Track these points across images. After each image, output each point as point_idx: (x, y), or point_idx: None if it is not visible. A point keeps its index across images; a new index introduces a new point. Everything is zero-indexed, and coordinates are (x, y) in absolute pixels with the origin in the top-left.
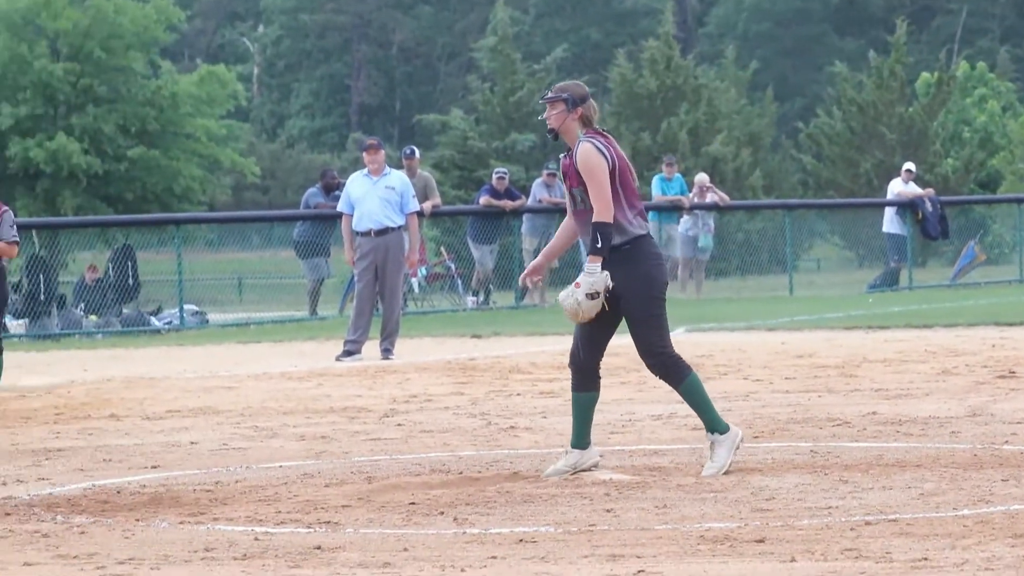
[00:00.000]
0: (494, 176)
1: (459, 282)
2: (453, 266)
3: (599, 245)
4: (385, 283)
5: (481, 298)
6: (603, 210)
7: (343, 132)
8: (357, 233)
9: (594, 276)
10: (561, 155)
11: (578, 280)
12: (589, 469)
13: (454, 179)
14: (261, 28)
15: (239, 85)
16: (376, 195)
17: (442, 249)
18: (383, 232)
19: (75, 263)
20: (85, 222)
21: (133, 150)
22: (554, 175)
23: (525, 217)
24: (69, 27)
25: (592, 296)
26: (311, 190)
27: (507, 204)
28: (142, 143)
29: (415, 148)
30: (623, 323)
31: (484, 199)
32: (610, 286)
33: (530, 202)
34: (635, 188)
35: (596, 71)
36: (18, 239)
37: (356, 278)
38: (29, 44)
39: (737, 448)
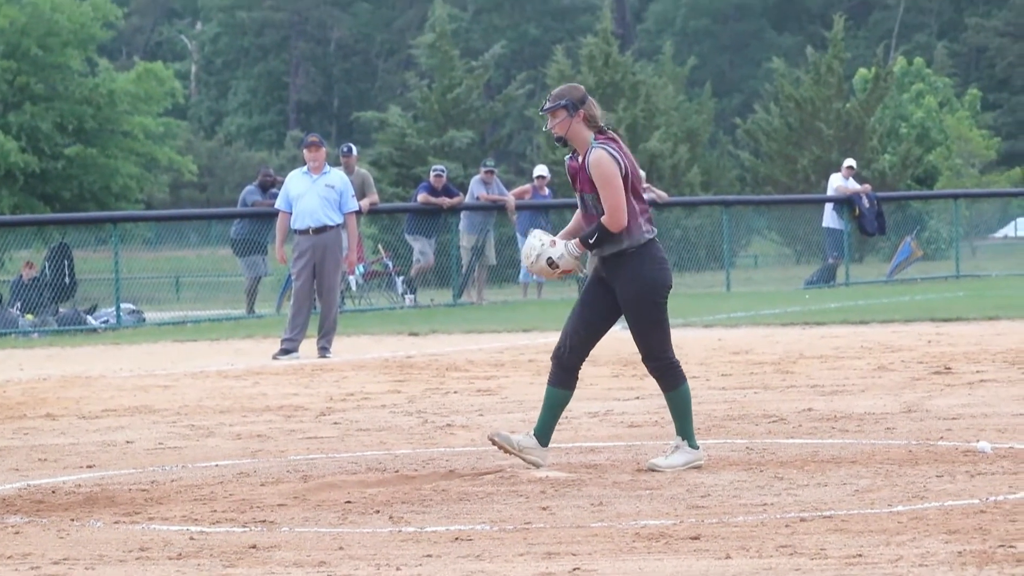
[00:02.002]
0: (432, 173)
1: (396, 280)
2: (391, 264)
3: (592, 240)
4: (323, 282)
5: (405, 290)
6: (616, 220)
7: (281, 130)
8: (295, 231)
9: (569, 256)
10: (567, 156)
11: (556, 242)
12: (534, 466)
13: (392, 176)
14: (199, 25)
15: (177, 83)
16: (316, 193)
17: (380, 247)
18: (321, 230)
19: (11, 262)
20: (22, 220)
21: (70, 148)
22: (492, 172)
23: (463, 214)
24: (6, 24)
25: (552, 264)
26: (249, 188)
27: (445, 201)
28: (79, 141)
29: (352, 145)
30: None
31: (422, 196)
32: (578, 274)
33: (468, 199)
34: (642, 191)
35: (534, 67)
36: None
37: (293, 276)
38: None
39: (690, 466)
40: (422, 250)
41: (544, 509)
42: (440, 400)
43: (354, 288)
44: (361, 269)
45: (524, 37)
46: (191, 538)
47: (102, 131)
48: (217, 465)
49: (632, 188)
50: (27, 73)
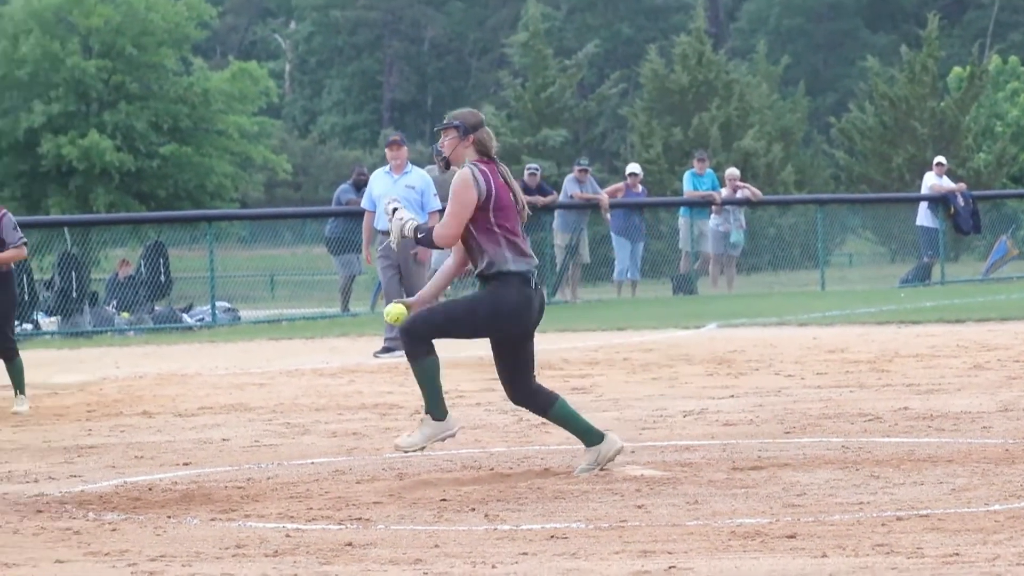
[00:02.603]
0: (526, 172)
1: None
2: None
3: (420, 236)
4: (408, 281)
5: None
6: (443, 233)
7: (375, 128)
8: (378, 231)
9: (400, 224)
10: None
11: (406, 215)
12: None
13: None
14: (293, 24)
15: (271, 82)
16: (398, 194)
17: None
18: None
19: (107, 260)
20: (117, 219)
21: (165, 147)
22: (586, 171)
23: (557, 213)
24: (101, 24)
25: (388, 213)
26: (343, 186)
27: (539, 200)
28: (174, 140)
29: None
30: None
31: None
32: (405, 230)
33: (562, 198)
34: (516, 223)
35: (628, 66)
36: (24, 239)
37: (380, 276)
38: (61, 41)
39: (440, 439)
40: None
41: (639, 507)
42: None
43: (450, 287)
44: None
45: (617, 36)
46: (287, 535)
47: (197, 130)
48: (313, 463)
49: (503, 216)
50: (122, 72)
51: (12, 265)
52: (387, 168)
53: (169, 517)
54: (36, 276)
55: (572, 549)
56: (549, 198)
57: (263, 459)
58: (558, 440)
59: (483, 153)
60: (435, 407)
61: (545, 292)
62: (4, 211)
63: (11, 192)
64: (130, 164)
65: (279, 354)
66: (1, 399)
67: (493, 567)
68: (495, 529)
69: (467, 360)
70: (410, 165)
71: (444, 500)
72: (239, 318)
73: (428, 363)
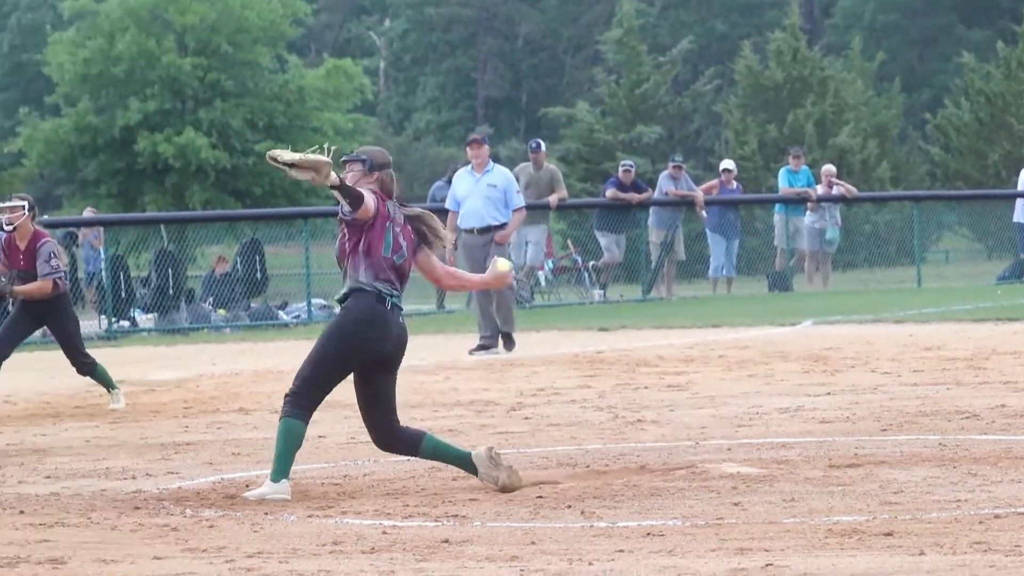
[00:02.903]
0: (620, 169)
1: (586, 275)
2: (580, 259)
3: (340, 183)
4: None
5: (599, 289)
6: (365, 208)
7: (469, 125)
8: (462, 230)
9: (312, 160)
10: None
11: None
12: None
13: (580, 172)
14: (387, 22)
15: (366, 79)
16: (479, 193)
17: (569, 242)
18: (485, 230)
19: (203, 257)
20: (213, 216)
21: (261, 144)
22: (680, 168)
23: (652, 210)
24: (196, 22)
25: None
26: (437, 183)
27: (633, 197)
28: (269, 137)
29: (540, 141)
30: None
31: (610, 192)
32: (311, 162)
33: (656, 195)
34: (383, 259)
35: (722, 63)
36: (59, 273)
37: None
38: (157, 39)
39: (275, 499)
40: (608, 246)
41: (736, 505)
42: (630, 395)
43: (543, 284)
44: (551, 264)
45: (711, 32)
46: (384, 532)
47: (292, 127)
48: (409, 460)
49: (372, 245)
50: (217, 70)
51: (63, 287)
52: (469, 167)
53: (266, 514)
54: (133, 273)
55: (668, 546)
56: (644, 195)
57: (359, 456)
58: (654, 437)
59: (385, 193)
60: (277, 470)
61: (405, 323)
62: (45, 239)
63: (107, 189)
64: (225, 161)
65: None
66: (98, 396)
67: (589, 564)
68: (591, 526)
69: (562, 356)
70: (491, 163)
71: (540, 497)
72: (334, 315)
73: (288, 425)
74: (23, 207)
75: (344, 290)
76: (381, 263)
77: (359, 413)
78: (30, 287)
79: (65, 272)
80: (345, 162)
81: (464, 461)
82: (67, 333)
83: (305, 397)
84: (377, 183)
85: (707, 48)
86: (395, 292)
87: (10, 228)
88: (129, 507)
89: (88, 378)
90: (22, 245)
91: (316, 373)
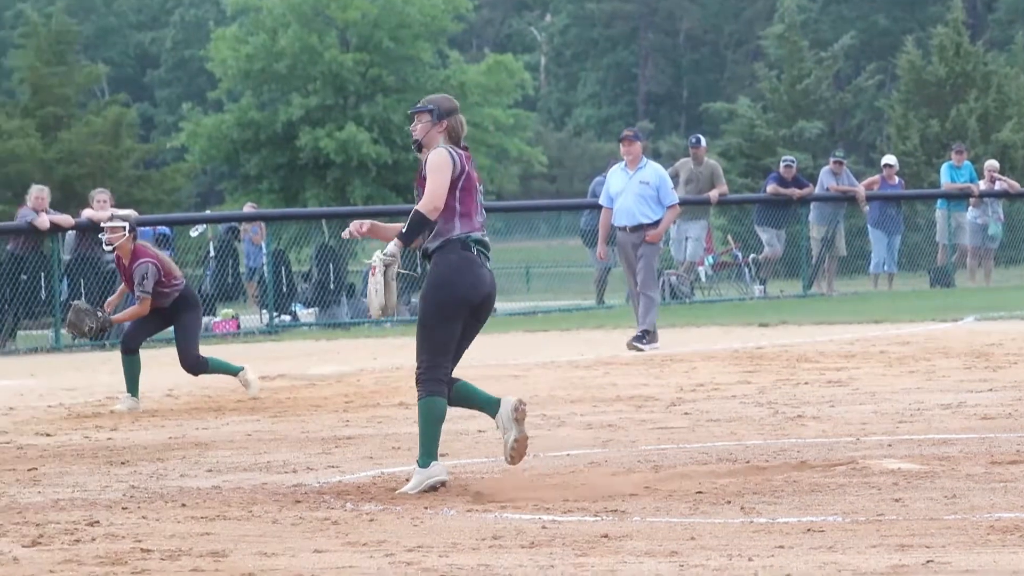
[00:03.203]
0: (781, 164)
1: (746, 271)
2: (740, 255)
3: (405, 231)
4: (640, 275)
5: (759, 284)
6: (429, 202)
7: (630, 120)
8: (615, 227)
9: (383, 255)
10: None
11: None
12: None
13: (741, 167)
14: (549, 17)
15: (526, 74)
16: (632, 191)
17: (729, 237)
18: (637, 228)
19: (364, 252)
20: (374, 211)
21: None
22: (841, 163)
23: (812, 205)
24: (358, 17)
25: (375, 276)
26: (598, 179)
27: (795, 192)
28: None
29: (700, 136)
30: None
31: (771, 187)
32: (390, 270)
33: (817, 190)
34: (476, 204)
35: (884, 58)
36: (149, 293)
37: (625, 270)
38: (319, 35)
39: (425, 488)
40: (770, 241)
41: (897, 501)
42: (790, 391)
43: (703, 279)
44: (711, 260)
45: (874, 28)
46: (543, 527)
47: None
48: (568, 454)
49: (464, 194)
50: (379, 65)
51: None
52: (622, 164)
53: (426, 508)
54: (294, 268)
55: (829, 542)
56: (805, 190)
57: None
58: (815, 433)
59: (454, 140)
60: (425, 452)
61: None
62: (140, 260)
63: (269, 184)
64: (386, 156)
65: (534, 346)
66: (264, 390)
67: (749, 560)
68: (751, 522)
69: (722, 352)
70: (644, 160)
71: (700, 492)
72: (495, 310)
73: (425, 404)
74: (123, 228)
75: (430, 239)
76: (472, 215)
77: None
78: (126, 314)
79: (182, 281)
80: (413, 113)
81: (492, 406)
82: (187, 332)
83: (433, 371)
84: (446, 131)
85: (869, 43)
86: (481, 236)
87: (110, 248)
88: (290, 501)
89: (200, 376)
90: (127, 263)
91: (430, 337)
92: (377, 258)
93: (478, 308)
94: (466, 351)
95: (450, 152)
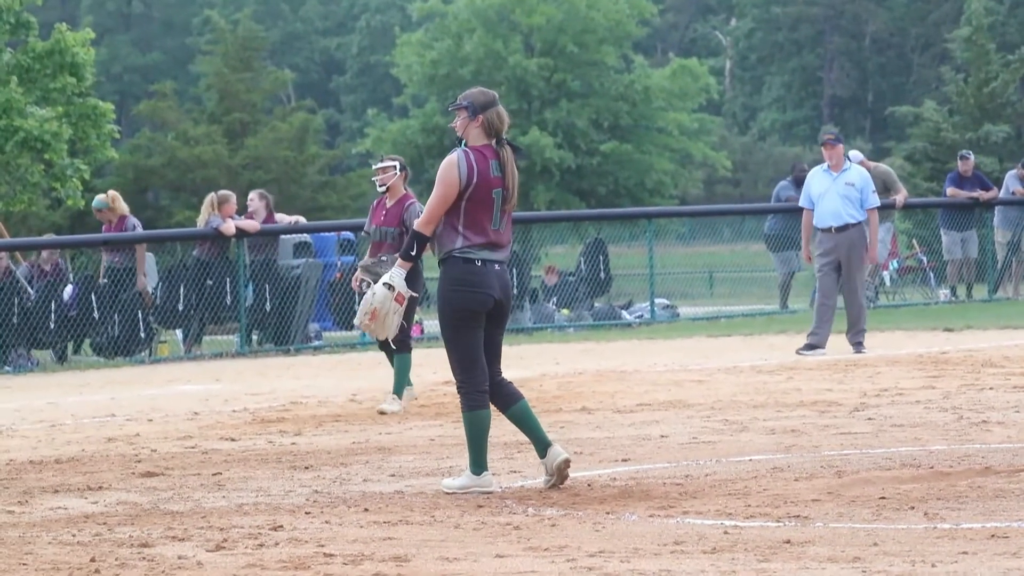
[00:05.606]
0: (959, 158)
1: (931, 275)
2: (925, 259)
3: (405, 250)
4: (849, 278)
5: (946, 288)
6: (424, 221)
7: (815, 124)
8: (818, 229)
9: (388, 281)
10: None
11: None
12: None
13: (926, 171)
14: (733, 21)
15: (711, 79)
16: (836, 192)
17: (913, 242)
18: (843, 228)
19: (548, 257)
20: (558, 216)
21: (606, 144)
22: None
23: (997, 209)
24: (543, 22)
25: (373, 306)
26: (782, 183)
27: (981, 195)
28: (614, 137)
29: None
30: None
31: (950, 190)
32: (400, 293)
33: (1003, 194)
34: (488, 215)
35: None
36: None
37: (817, 272)
38: (504, 40)
39: (474, 492)
40: (948, 247)
41: None
42: (975, 396)
43: (888, 284)
44: (895, 264)
45: None
46: (725, 532)
47: (637, 127)
48: (751, 460)
49: (471, 204)
50: (563, 70)
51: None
52: (825, 166)
53: (608, 513)
54: None
55: (1013, 549)
56: (990, 194)
57: (701, 456)
58: (999, 439)
59: (493, 134)
60: (474, 461)
61: (508, 276)
62: (412, 200)
63: None
64: (570, 161)
65: (717, 351)
66: (443, 395)
67: (932, 566)
68: (935, 528)
69: (906, 357)
70: (848, 163)
71: (883, 498)
72: (678, 315)
73: (471, 417)
74: (395, 167)
75: (437, 251)
76: (482, 226)
77: (695, 412)
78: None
79: None
80: (450, 110)
81: (541, 447)
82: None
83: (469, 383)
84: (483, 126)
85: None
86: (484, 249)
87: (383, 188)
88: (472, 506)
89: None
90: (390, 203)
91: (456, 351)
92: (389, 279)
93: (492, 313)
94: (502, 350)
95: (460, 160)
